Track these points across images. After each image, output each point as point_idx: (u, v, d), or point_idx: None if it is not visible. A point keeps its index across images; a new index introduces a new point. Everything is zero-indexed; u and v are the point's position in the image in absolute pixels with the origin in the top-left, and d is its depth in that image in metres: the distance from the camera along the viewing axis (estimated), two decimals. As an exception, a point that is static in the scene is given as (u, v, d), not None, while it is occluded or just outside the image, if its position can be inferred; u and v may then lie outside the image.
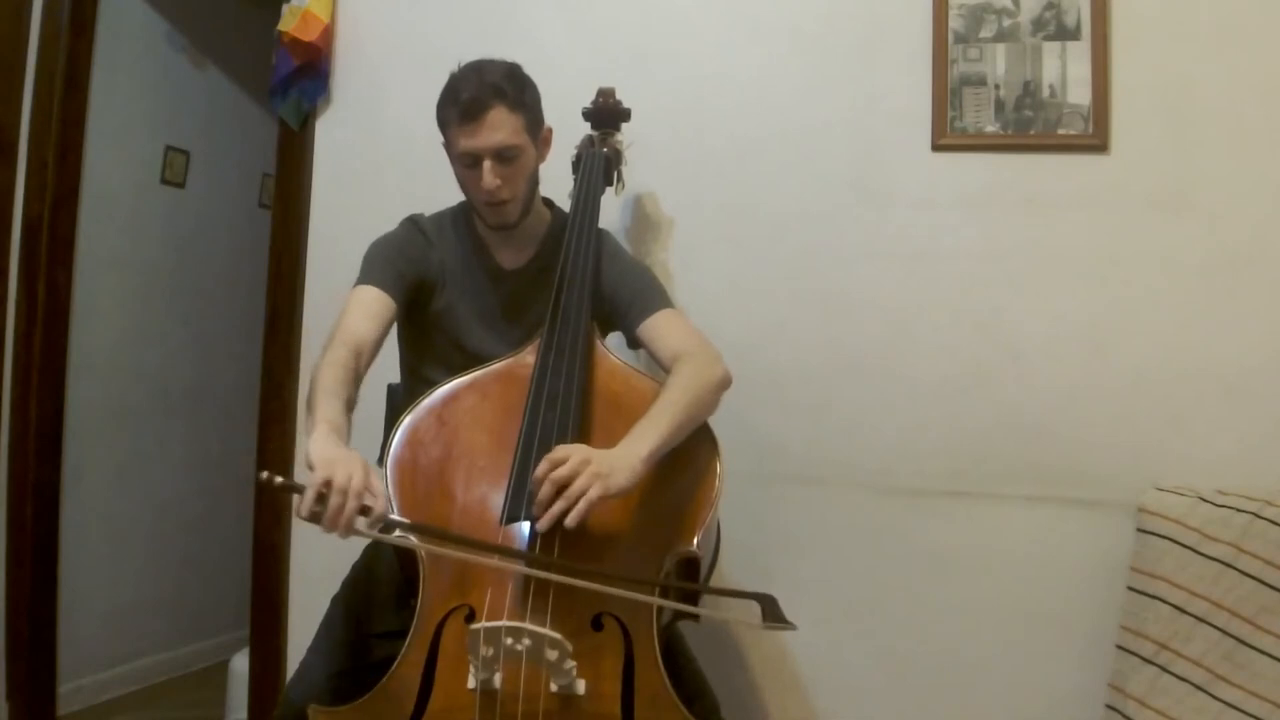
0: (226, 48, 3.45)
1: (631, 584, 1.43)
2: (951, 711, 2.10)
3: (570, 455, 1.42)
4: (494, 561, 1.44)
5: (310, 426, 1.44)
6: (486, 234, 1.84)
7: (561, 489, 1.40)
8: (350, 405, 1.53)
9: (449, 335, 1.81)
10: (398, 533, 1.41)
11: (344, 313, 1.69)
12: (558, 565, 1.42)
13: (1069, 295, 2.09)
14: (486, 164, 1.68)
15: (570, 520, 1.38)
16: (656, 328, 1.75)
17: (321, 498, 1.30)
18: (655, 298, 1.80)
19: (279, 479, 1.30)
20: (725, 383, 1.68)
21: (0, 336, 2.72)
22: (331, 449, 1.37)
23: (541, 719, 1.35)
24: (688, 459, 1.57)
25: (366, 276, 1.74)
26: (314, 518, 1.31)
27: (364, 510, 1.32)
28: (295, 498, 1.32)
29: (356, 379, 1.59)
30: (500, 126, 1.67)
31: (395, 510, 1.51)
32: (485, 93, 1.66)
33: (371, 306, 1.70)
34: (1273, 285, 2.00)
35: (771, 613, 1.43)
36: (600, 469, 1.41)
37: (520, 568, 1.43)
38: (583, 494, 1.39)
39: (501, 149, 1.68)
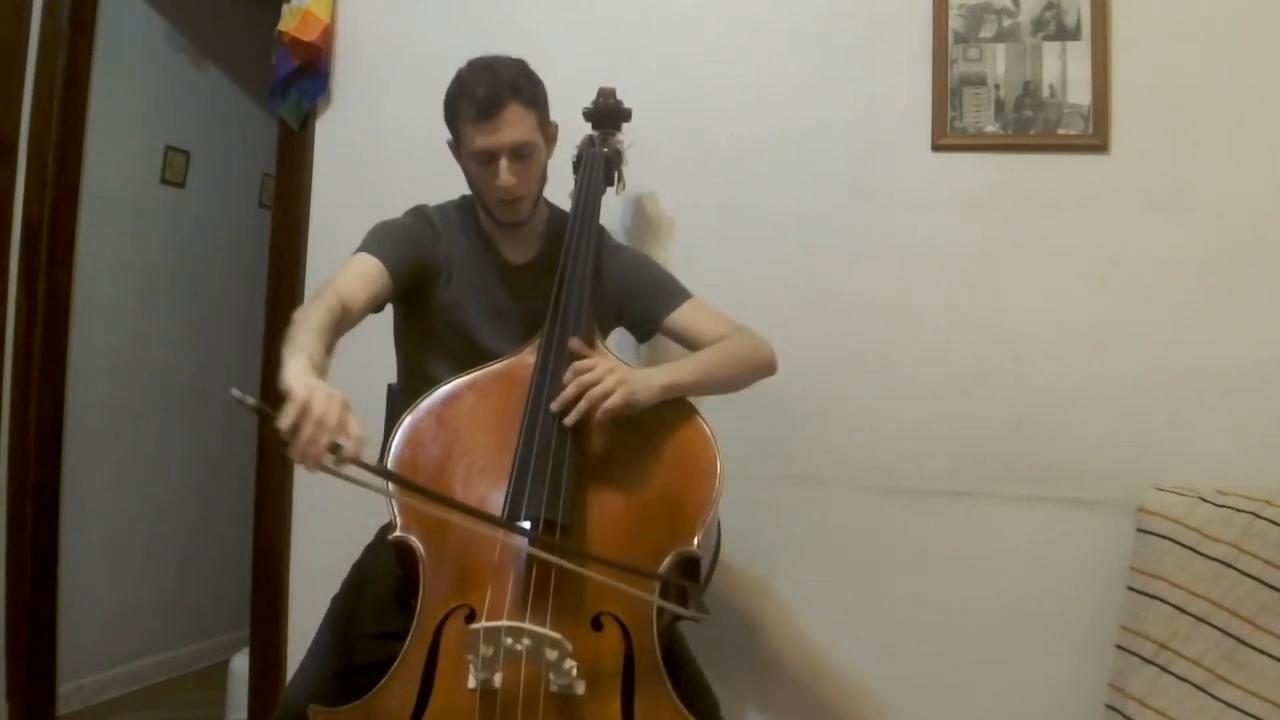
0: (226, 48, 3.45)
1: (627, 575, 1.43)
2: (951, 711, 2.10)
3: (595, 363, 1.51)
4: (476, 524, 1.44)
5: (289, 356, 1.36)
6: (492, 229, 1.83)
7: (585, 391, 1.47)
8: (330, 351, 1.47)
9: (457, 329, 1.80)
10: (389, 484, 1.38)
11: (337, 274, 1.65)
12: (543, 542, 1.42)
13: (1069, 295, 2.09)
14: (503, 162, 1.68)
15: (600, 414, 1.47)
16: (691, 315, 1.79)
17: (295, 426, 1.23)
18: (677, 288, 1.83)
19: (251, 399, 1.22)
20: (770, 362, 1.74)
21: (0, 336, 2.72)
22: (311, 379, 1.30)
23: (541, 719, 1.35)
24: (688, 458, 1.57)
25: (368, 247, 1.72)
26: (285, 445, 1.24)
27: (334, 448, 1.25)
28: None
29: (338, 330, 1.53)
30: (517, 124, 1.67)
31: (397, 512, 1.51)
32: (502, 90, 1.66)
33: (368, 273, 1.67)
34: (1273, 285, 2.00)
35: (697, 604, 1.47)
36: (624, 376, 1.50)
37: (495, 529, 1.44)
38: (606, 395, 1.47)
39: (518, 146, 1.68)
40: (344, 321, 1.57)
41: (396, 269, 1.71)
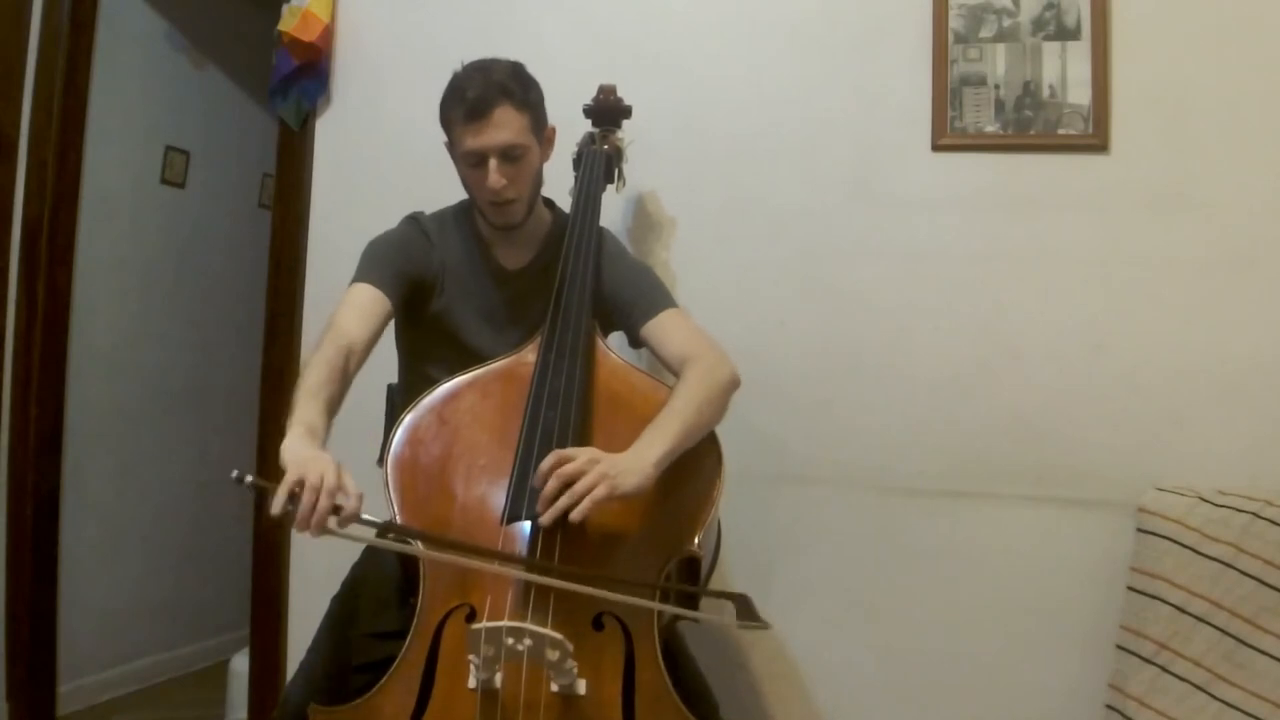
0: (226, 48, 3.45)
1: (629, 589, 1.43)
2: (951, 711, 2.10)
3: (579, 454, 1.43)
4: (470, 562, 1.44)
5: (288, 427, 1.43)
6: (488, 234, 1.83)
7: (567, 485, 1.40)
8: (332, 405, 1.52)
9: (451, 335, 1.81)
10: (381, 533, 1.40)
11: (338, 310, 1.68)
12: (539, 567, 1.42)
13: (1069, 295, 2.09)
14: (492, 163, 1.68)
15: (575, 515, 1.38)
16: (661, 328, 1.75)
17: (294, 497, 1.29)
18: (659, 298, 1.80)
19: (250, 478, 1.30)
20: (734, 384, 1.69)
21: (0, 336, 2.72)
22: (304, 449, 1.36)
23: (542, 719, 1.35)
24: (690, 458, 1.56)
25: (364, 274, 1.73)
26: (285, 517, 1.30)
27: (336, 509, 1.31)
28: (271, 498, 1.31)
29: (344, 378, 1.57)
30: (506, 125, 1.67)
31: (396, 511, 1.51)
32: (491, 91, 1.66)
33: (366, 305, 1.69)
34: (1273, 285, 2.00)
35: (746, 612, 1.43)
36: (608, 469, 1.41)
37: (475, 562, 1.43)
38: (588, 491, 1.39)
39: (507, 148, 1.68)
40: (352, 362, 1.60)
41: (394, 290, 1.73)
